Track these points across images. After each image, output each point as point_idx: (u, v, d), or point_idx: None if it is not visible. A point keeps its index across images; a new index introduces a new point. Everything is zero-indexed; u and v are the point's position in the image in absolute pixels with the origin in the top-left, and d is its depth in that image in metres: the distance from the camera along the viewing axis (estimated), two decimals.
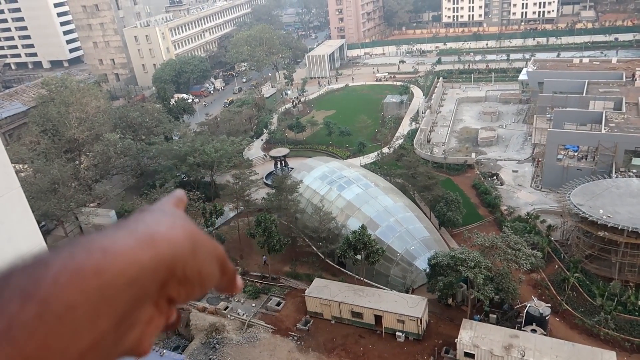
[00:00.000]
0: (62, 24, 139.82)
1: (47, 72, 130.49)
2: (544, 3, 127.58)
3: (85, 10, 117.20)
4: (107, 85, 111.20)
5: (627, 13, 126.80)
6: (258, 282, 46.43)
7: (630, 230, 39.57)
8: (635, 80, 65.83)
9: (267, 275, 46.72)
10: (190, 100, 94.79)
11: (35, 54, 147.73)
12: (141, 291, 0.98)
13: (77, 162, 62.29)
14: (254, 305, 43.89)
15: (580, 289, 40.67)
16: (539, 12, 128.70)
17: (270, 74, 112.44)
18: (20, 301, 0.86)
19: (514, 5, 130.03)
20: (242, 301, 44.52)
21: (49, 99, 71.94)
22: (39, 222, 48.76)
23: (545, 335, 36.04)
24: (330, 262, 47.86)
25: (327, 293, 41.02)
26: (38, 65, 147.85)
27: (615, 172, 49.87)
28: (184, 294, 1.08)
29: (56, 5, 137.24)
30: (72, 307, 0.88)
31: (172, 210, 1.18)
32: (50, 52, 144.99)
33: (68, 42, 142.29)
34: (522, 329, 36.65)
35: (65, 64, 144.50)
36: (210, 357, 39.19)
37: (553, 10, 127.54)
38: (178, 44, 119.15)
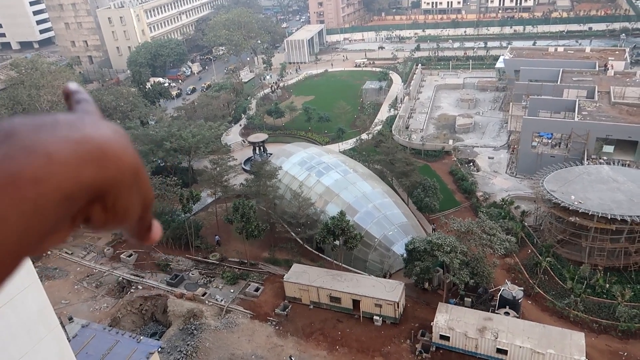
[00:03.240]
0: (32, 3, 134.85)
1: (16, 54, 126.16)
2: None
3: None
4: (80, 68, 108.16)
5: (601, 3, 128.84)
6: (236, 267, 46.36)
7: (599, 215, 40.76)
8: (608, 69, 67.26)
9: (246, 262, 46.67)
10: (167, 84, 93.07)
11: (3, 35, 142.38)
12: (72, 207, 0.89)
13: None
14: (232, 291, 43.87)
15: (552, 273, 41.84)
16: (516, 0, 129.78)
17: (248, 59, 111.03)
18: None
19: None
20: (220, 287, 44.45)
21: (19, 82, 69.66)
22: None
23: (517, 317, 37.08)
24: (309, 248, 48.06)
25: (305, 278, 41.26)
26: (6, 46, 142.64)
27: (587, 159, 51.13)
28: (101, 221, 0.99)
29: None
30: (3, 219, 0.78)
31: (114, 125, 1.05)
32: (19, 33, 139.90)
33: (38, 22, 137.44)
34: (496, 311, 37.61)
35: (36, 46, 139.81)
36: (188, 343, 39.12)
37: None
38: (154, 26, 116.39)
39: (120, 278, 46.30)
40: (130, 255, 48.59)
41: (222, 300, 42.82)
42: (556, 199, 43.01)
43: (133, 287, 45.39)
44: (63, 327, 32.67)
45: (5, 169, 0.77)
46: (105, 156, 0.92)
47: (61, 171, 0.84)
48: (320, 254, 47.32)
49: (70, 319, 37.84)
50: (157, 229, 1.19)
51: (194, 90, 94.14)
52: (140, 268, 47.75)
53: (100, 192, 0.93)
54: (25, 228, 0.82)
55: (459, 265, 36.30)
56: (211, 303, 42.58)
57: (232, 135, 74.48)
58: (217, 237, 50.12)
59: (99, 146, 0.92)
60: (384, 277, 43.36)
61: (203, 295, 43.07)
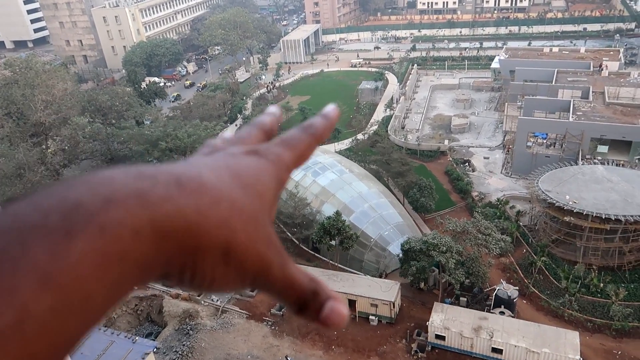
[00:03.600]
0: (26, 2, 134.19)
1: (10, 53, 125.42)
2: None
3: None
4: (74, 67, 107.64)
5: (596, 4, 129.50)
6: None
7: (594, 215, 40.99)
8: (602, 69, 67.62)
9: None
10: (162, 84, 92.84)
11: None
12: (137, 280, 0.80)
13: (43, 146, 60.47)
14: None
15: (547, 272, 42.04)
16: (512, 0, 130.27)
17: (244, 59, 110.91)
18: (36, 286, 0.66)
19: None
20: None
21: (13, 81, 69.26)
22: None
23: (512, 317, 37.24)
24: (305, 248, 48.08)
25: None
26: (0, 45, 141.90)
27: (582, 159, 51.39)
28: (177, 284, 0.87)
29: None
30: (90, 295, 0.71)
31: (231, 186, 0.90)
32: (13, 32, 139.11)
33: (32, 21, 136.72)
34: (491, 311, 37.76)
35: (30, 45, 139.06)
36: (184, 343, 39.06)
37: None
38: (149, 25, 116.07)
39: None
40: None
41: (217, 300, 42.77)
42: (551, 198, 43.22)
43: None
44: None
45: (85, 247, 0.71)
46: (189, 231, 0.80)
47: (141, 247, 0.76)
48: (316, 254, 47.35)
49: None
50: (330, 312, 0.94)
51: (177, 98, 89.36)
52: None
53: (175, 264, 0.82)
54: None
55: (455, 265, 36.41)
56: (207, 303, 42.53)
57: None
58: None
59: (185, 221, 0.79)
60: (380, 277, 43.44)
61: (199, 295, 43.01)
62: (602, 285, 40.01)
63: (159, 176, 0.80)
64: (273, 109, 1.23)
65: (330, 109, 1.17)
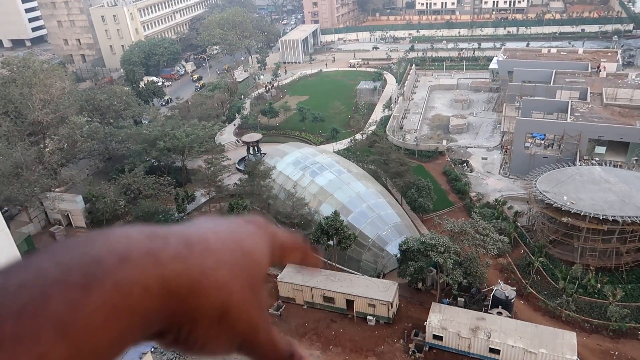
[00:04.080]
0: (24, 0, 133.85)
1: (8, 52, 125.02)
2: None
3: None
4: (72, 67, 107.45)
5: (594, 5, 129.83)
6: None
7: (591, 216, 41.07)
8: (600, 71, 67.75)
9: None
10: (160, 84, 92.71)
11: None
12: (128, 339, 0.85)
13: (41, 145, 60.26)
14: None
15: (544, 273, 42.10)
16: (510, 1, 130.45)
17: (242, 58, 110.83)
18: (54, 336, 0.73)
19: None
20: None
21: (10, 80, 69.03)
22: (1, 208, 47.19)
23: (510, 317, 37.27)
24: None
25: (299, 278, 41.24)
26: None
27: (579, 160, 51.49)
28: (170, 345, 0.93)
29: None
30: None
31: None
32: (11, 31, 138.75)
33: (30, 20, 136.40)
34: (489, 311, 37.79)
35: (28, 44, 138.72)
36: None
37: (523, 0, 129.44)
38: (147, 25, 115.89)
39: None
40: None
41: None
42: (549, 199, 43.29)
43: None
44: None
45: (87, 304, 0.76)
46: (192, 289, 0.87)
47: (149, 303, 0.82)
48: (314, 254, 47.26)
49: None
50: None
51: (168, 102, 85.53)
52: None
53: (174, 321, 0.88)
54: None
55: (453, 266, 36.44)
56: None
57: (226, 135, 74.32)
58: None
59: (190, 281, 0.87)
60: (378, 277, 43.44)
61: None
62: (599, 285, 40.08)
63: (170, 237, 0.88)
64: (317, 261, 1.32)
65: (317, 261, 1.30)
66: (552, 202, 42.90)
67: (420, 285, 41.70)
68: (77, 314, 0.73)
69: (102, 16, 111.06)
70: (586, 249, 43.03)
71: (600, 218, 40.81)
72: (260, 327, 1.00)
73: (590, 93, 59.30)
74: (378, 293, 39.02)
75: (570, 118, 54.16)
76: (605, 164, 50.13)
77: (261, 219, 1.14)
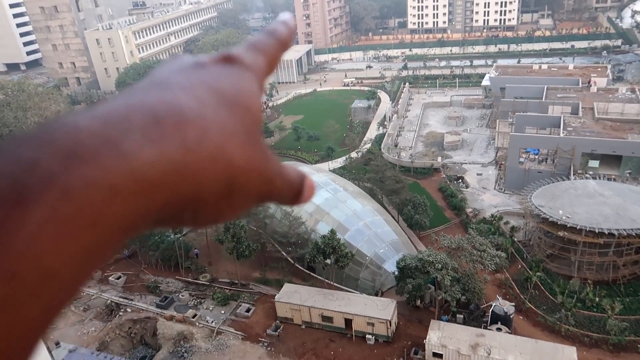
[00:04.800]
0: (19, 25, 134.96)
1: (2, 75, 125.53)
2: (505, 11, 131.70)
3: (43, 12, 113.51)
4: (67, 90, 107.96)
5: (583, 21, 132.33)
6: (227, 288, 45.90)
7: (587, 229, 41.19)
8: (591, 86, 68.70)
9: (237, 282, 46.24)
10: None
11: None
12: (136, 231, 0.69)
13: None
14: (223, 312, 43.34)
15: (542, 288, 42.00)
16: (500, 19, 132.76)
17: None
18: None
19: (476, 12, 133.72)
20: (210, 308, 43.90)
21: (5, 103, 69.30)
22: None
23: (510, 333, 37.04)
24: (300, 267, 47.80)
25: (297, 298, 40.94)
26: None
27: (573, 174, 51.83)
28: (183, 225, 0.77)
29: (12, 5, 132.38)
30: (52, 274, 0.59)
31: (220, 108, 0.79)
32: (5, 54, 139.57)
33: (25, 44, 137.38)
34: (488, 327, 37.55)
35: (23, 67, 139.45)
36: None
37: (513, 18, 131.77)
38: (142, 47, 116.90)
39: (109, 301, 45.55)
40: (119, 278, 47.91)
41: (212, 321, 42.26)
42: (544, 213, 43.44)
43: (122, 310, 44.66)
44: (50, 352, 31.99)
45: (62, 210, 0.58)
46: (180, 174, 0.68)
47: (121, 207, 0.63)
48: (312, 273, 47.07)
49: (57, 343, 37.09)
50: (308, 190, 0.98)
51: None
52: (129, 290, 47.05)
53: (170, 210, 0.71)
54: (78, 271, 0.62)
55: (451, 282, 36.32)
56: (202, 325, 42.00)
57: None
58: (196, 250, 50.26)
59: (173, 165, 0.67)
60: (376, 295, 43.18)
61: (193, 317, 42.50)
62: (597, 299, 40.00)
63: (133, 116, 0.67)
64: (287, 16, 1.12)
65: (287, 16, 1.11)
66: (547, 217, 43.04)
67: (418, 302, 41.46)
68: (8, 238, 0.55)
69: (97, 39, 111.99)
70: (583, 263, 43.04)
71: (596, 232, 40.93)
72: (274, 174, 0.86)
73: (582, 108, 60.03)
74: (376, 311, 38.74)
75: (563, 133, 54.70)
76: (599, 178, 50.48)
77: (235, 52, 0.94)
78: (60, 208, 0.58)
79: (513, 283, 43.14)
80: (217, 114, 0.76)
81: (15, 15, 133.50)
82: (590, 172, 52.58)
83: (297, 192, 0.94)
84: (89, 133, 0.62)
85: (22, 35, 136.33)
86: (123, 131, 0.64)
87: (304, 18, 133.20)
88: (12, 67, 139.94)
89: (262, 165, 0.82)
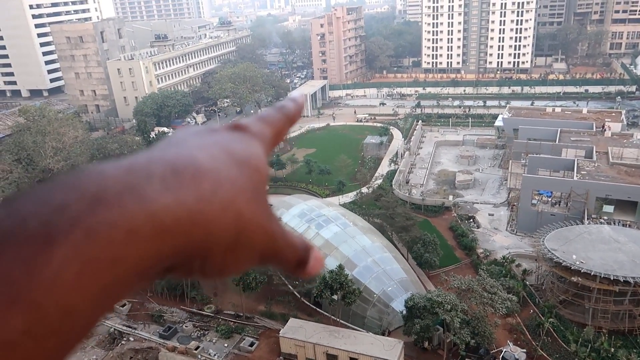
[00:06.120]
0: (45, 53, 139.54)
1: (25, 101, 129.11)
2: (519, 54, 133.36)
3: (69, 42, 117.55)
4: (86, 116, 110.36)
5: (596, 67, 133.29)
6: (231, 321, 45.22)
7: (602, 276, 40.16)
8: (605, 130, 68.47)
9: (241, 314, 45.58)
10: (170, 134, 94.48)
11: (14, 82, 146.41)
12: (146, 278, 0.74)
13: None
14: (226, 345, 42.55)
15: (555, 335, 40.70)
16: (514, 62, 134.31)
17: (252, 111, 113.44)
18: (4, 307, 0.60)
19: (490, 54, 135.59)
20: (214, 341, 43.15)
21: (26, 128, 70.90)
22: None
23: None
24: (306, 302, 47.06)
25: (302, 334, 40.13)
26: (16, 93, 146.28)
27: (587, 219, 51.01)
28: (188, 275, 0.82)
29: (40, 35, 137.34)
30: (70, 311, 0.64)
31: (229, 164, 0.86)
32: (30, 81, 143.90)
33: (49, 71, 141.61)
34: None
35: (45, 94, 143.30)
36: None
37: (527, 61, 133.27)
38: (161, 78, 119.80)
39: (112, 329, 45.07)
40: (123, 305, 47.51)
41: (215, 354, 41.45)
42: (558, 258, 42.55)
43: (124, 339, 44.09)
44: None
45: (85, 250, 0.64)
46: (194, 220, 0.74)
47: (139, 249, 0.68)
48: (318, 309, 46.28)
49: None
50: (314, 262, 1.01)
51: None
52: (133, 318, 46.58)
53: (182, 257, 0.76)
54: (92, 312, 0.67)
55: (460, 324, 35.40)
56: (204, 358, 41.19)
57: None
58: None
59: (188, 212, 0.73)
60: (383, 334, 42.17)
61: (196, 349, 41.74)
62: (613, 350, 38.58)
63: (153, 167, 0.74)
64: (296, 94, 1.24)
65: (297, 94, 1.23)
66: (561, 261, 42.13)
67: (426, 344, 40.35)
68: (35, 273, 0.60)
69: (118, 69, 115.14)
70: (598, 311, 41.77)
71: (611, 278, 39.88)
72: (277, 233, 0.90)
73: (596, 152, 59.64)
74: (383, 351, 37.72)
75: (576, 176, 54.20)
76: (614, 223, 49.60)
77: (245, 122, 1.03)
78: (84, 248, 0.63)
79: (524, 328, 41.91)
80: (229, 170, 0.83)
81: (42, 44, 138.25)
82: (605, 217, 51.72)
83: (301, 260, 0.98)
84: (113, 180, 0.69)
85: (47, 63, 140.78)
86: (144, 179, 0.71)
87: (320, 54, 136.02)
88: (35, 93, 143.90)
89: (267, 223, 0.87)
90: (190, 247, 0.74)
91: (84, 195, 0.66)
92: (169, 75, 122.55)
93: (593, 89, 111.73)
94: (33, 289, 0.59)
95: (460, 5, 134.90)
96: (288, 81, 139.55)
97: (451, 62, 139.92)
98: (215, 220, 0.76)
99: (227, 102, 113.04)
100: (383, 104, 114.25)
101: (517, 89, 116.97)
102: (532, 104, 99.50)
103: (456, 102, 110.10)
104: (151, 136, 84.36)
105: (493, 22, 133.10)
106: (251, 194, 0.84)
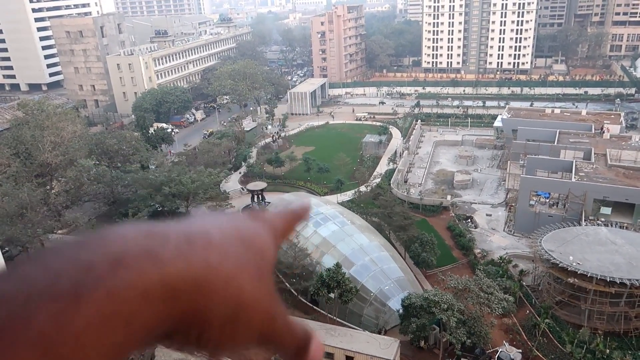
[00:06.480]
0: (44, 47, 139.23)
1: (24, 95, 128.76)
2: (519, 55, 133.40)
3: (69, 36, 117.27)
4: (85, 111, 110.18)
5: (596, 69, 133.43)
6: None
7: (598, 277, 40.25)
8: (604, 132, 68.55)
9: None
10: (169, 130, 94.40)
11: (13, 76, 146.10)
12: (140, 344, 0.79)
13: (48, 187, 60.78)
14: None
15: (551, 335, 40.80)
16: (514, 62, 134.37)
17: (251, 108, 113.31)
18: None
19: (490, 55, 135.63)
20: None
21: (24, 122, 70.65)
22: (2, 248, 47.06)
23: None
24: (303, 300, 47.07)
25: None
26: (15, 87, 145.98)
27: (585, 220, 51.10)
28: (182, 347, 0.86)
29: (39, 29, 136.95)
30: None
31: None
32: (29, 75, 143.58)
33: (48, 66, 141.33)
34: None
35: (44, 88, 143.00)
36: None
37: (527, 62, 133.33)
38: (161, 73, 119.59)
39: None
40: None
41: None
42: (554, 259, 42.63)
43: None
44: None
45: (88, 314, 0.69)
46: (199, 287, 0.80)
47: (149, 309, 0.74)
48: (315, 307, 46.30)
49: None
50: (315, 351, 1.03)
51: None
52: None
53: (183, 324, 0.81)
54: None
55: (456, 324, 35.45)
56: (200, 354, 41.14)
57: (232, 183, 74.77)
58: None
59: (195, 277, 0.80)
60: (379, 333, 42.21)
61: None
62: (608, 351, 38.69)
63: (170, 234, 0.81)
64: (306, 200, 1.36)
65: (305, 200, 1.33)
66: (558, 262, 42.21)
67: (422, 343, 40.41)
68: (64, 328, 0.66)
69: (117, 64, 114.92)
70: (594, 312, 41.88)
71: (608, 280, 39.97)
72: (277, 316, 0.94)
73: (595, 154, 59.72)
74: (379, 350, 37.76)
75: (574, 178, 54.26)
76: (612, 225, 49.70)
77: (259, 211, 1.11)
78: (105, 306, 0.68)
79: (520, 329, 42.00)
80: (237, 246, 0.90)
81: (42, 39, 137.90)
82: (602, 219, 51.83)
83: (301, 346, 1.00)
84: (134, 243, 0.76)
85: (46, 57, 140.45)
86: (160, 243, 0.78)
87: (320, 52, 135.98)
88: (34, 87, 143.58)
89: (267, 303, 0.91)
90: (192, 313, 0.79)
91: (107, 256, 0.72)
92: (168, 71, 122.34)
93: (592, 91, 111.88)
94: (62, 343, 0.65)
95: (461, 6, 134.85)
96: (288, 79, 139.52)
97: (451, 62, 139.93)
98: (219, 291, 0.81)
99: (226, 98, 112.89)
100: (382, 103, 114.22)
101: (517, 89, 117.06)
102: (531, 105, 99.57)
103: (455, 102, 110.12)
104: (150, 132, 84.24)
105: (493, 22, 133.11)
106: (254, 272, 0.89)
